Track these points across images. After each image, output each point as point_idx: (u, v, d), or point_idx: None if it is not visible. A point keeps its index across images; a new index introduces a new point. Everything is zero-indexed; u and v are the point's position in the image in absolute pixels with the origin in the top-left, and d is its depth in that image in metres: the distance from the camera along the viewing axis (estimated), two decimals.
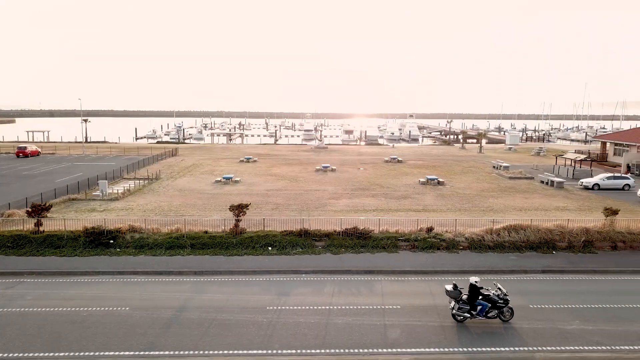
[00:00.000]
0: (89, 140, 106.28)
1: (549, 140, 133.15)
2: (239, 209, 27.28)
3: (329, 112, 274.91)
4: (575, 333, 17.54)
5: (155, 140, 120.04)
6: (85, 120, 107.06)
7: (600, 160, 67.46)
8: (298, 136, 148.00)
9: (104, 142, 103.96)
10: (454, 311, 18.18)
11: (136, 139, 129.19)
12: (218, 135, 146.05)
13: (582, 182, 48.94)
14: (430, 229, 28.09)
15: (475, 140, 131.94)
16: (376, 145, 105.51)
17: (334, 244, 26.59)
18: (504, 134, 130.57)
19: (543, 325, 18.17)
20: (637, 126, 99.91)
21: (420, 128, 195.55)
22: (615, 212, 28.38)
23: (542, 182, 51.38)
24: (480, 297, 18.11)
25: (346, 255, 25.65)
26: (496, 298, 18.14)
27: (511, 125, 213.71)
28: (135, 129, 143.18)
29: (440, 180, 51.06)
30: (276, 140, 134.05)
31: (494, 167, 63.38)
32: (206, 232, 27.39)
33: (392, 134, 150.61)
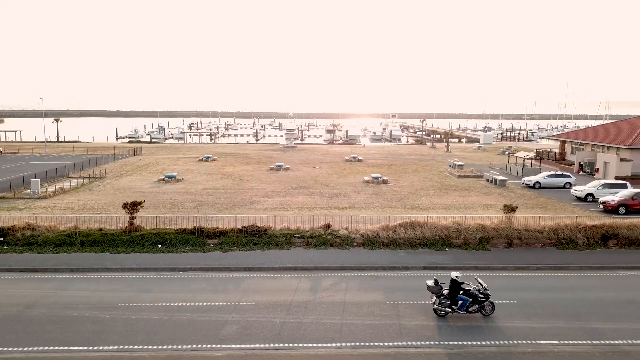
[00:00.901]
0: (61, 140, 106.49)
1: (530, 140, 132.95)
2: (132, 207, 27.26)
3: (327, 112, 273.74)
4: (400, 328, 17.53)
5: (136, 140, 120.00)
6: (57, 120, 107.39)
7: (558, 158, 67.45)
8: (281, 136, 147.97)
9: (76, 141, 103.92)
10: (435, 306, 18.39)
11: (117, 138, 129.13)
12: (199, 135, 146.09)
13: (524, 180, 48.94)
14: (327, 226, 28.05)
15: (456, 140, 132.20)
16: (349, 145, 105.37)
17: (226, 242, 26.56)
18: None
19: (387, 321, 18.14)
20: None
21: (406, 128, 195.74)
22: (513, 210, 28.32)
23: (488, 180, 51.38)
24: (461, 292, 18.31)
25: (235, 253, 25.63)
26: (477, 293, 18.35)
27: (499, 125, 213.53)
28: (116, 128, 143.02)
29: (385, 179, 51.04)
30: (257, 139, 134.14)
31: (450, 166, 63.35)
32: (100, 229, 27.36)
33: (374, 133, 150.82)
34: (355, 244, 26.98)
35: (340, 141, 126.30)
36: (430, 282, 18.62)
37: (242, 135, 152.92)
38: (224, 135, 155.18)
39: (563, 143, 69.41)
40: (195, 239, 26.61)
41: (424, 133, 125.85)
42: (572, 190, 42.83)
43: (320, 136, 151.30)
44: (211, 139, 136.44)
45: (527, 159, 55.63)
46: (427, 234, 27.33)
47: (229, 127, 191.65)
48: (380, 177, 50.87)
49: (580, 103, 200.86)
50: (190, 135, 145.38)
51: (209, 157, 69.50)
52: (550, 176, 48.26)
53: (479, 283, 18.76)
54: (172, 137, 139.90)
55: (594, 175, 55.51)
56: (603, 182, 42.29)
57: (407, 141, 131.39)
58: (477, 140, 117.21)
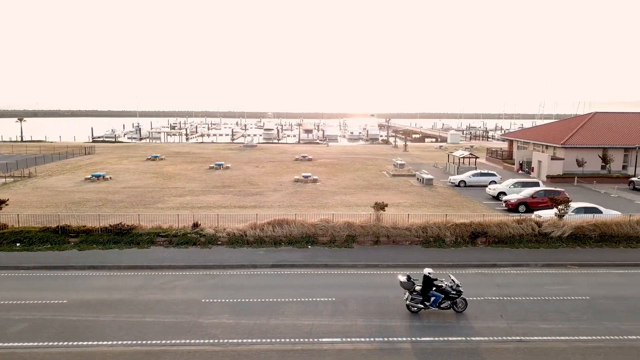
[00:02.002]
0: (28, 139, 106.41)
1: (496, 138, 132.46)
2: None
3: (324, 113, 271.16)
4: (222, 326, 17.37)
5: (114, 140, 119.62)
6: (21, 120, 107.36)
7: (505, 157, 67.28)
8: (260, 135, 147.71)
9: (42, 141, 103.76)
10: (407, 302, 18.35)
11: (92, 138, 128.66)
12: (178, 134, 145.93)
13: (450, 179, 48.80)
14: (195, 225, 27.90)
15: (434, 139, 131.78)
16: (313, 145, 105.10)
17: (87, 240, 26.40)
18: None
19: (186, 319, 17.98)
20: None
21: (385, 127, 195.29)
22: (382, 207, 28.14)
23: (418, 179, 51.22)
24: (433, 289, 18.29)
25: (92, 251, 25.45)
26: (449, 289, 18.32)
27: (483, 124, 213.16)
28: (92, 128, 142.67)
29: (315, 177, 50.91)
30: (233, 139, 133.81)
31: (393, 165, 63.16)
32: None
33: (352, 133, 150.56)
34: (219, 242, 26.82)
35: (317, 140, 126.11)
36: (403, 278, 18.56)
37: (225, 135, 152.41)
38: (202, 135, 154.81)
39: (511, 142, 69.25)
40: (57, 237, 26.45)
41: (389, 132, 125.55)
42: (487, 189, 42.67)
43: (294, 136, 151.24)
44: (187, 139, 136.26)
45: (463, 157, 55.39)
46: (295, 231, 27.16)
47: (213, 126, 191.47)
48: (310, 176, 50.72)
49: (566, 102, 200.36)
50: (169, 134, 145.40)
51: (157, 157, 69.35)
52: (475, 175, 48.11)
53: (452, 280, 18.69)
54: (148, 137, 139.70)
55: (530, 174, 55.41)
56: (515, 180, 42.12)
57: (380, 140, 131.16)
58: (445, 139, 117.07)
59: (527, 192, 37.30)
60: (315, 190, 45.23)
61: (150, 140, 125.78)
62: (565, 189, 45.30)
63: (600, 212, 30.73)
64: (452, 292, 18.30)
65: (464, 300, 18.53)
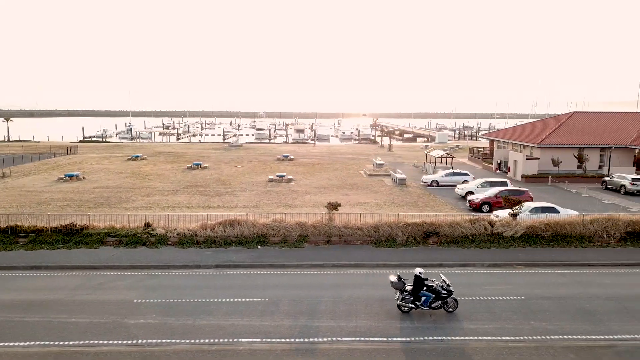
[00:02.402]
0: (15, 139, 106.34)
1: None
2: None
3: (321, 112, 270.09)
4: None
5: (103, 140, 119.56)
6: (7, 120, 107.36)
7: (486, 157, 67.16)
8: (252, 135, 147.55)
9: (29, 141, 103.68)
10: (398, 302, 18.40)
11: (83, 138, 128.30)
12: (167, 135, 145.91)
13: (423, 179, 48.74)
14: (147, 225, 27.84)
15: (426, 139, 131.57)
16: (300, 144, 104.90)
17: (36, 241, 26.34)
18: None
19: (109, 319, 17.92)
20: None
21: (375, 127, 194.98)
22: (335, 207, 28.06)
23: (392, 179, 51.13)
24: (424, 288, 18.29)
25: (39, 252, 25.29)
26: (440, 289, 18.33)
27: (477, 123, 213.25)
28: (83, 128, 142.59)
29: (290, 177, 50.92)
30: (224, 139, 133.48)
31: (373, 164, 63.08)
32: None
33: (344, 133, 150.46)
34: (170, 242, 26.75)
35: (309, 140, 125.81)
36: (394, 278, 18.59)
37: (217, 135, 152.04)
38: (194, 135, 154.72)
39: (492, 142, 69.16)
40: (6, 237, 26.39)
41: (376, 132, 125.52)
42: (455, 189, 42.61)
43: (286, 135, 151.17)
44: (178, 139, 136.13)
45: (440, 157, 55.34)
46: (246, 232, 27.10)
47: (207, 126, 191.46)
48: (285, 176, 50.67)
49: (563, 102, 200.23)
50: (162, 134, 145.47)
51: (139, 156, 69.29)
52: (448, 175, 48.04)
53: (443, 280, 18.67)
54: (139, 137, 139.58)
55: (507, 173, 55.34)
56: (484, 180, 42.04)
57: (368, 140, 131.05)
58: (434, 139, 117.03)
59: (492, 192, 37.24)
60: (286, 190, 45.17)
61: (139, 140, 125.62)
62: (538, 188, 45.53)
63: (557, 211, 30.64)
64: (443, 291, 18.31)
65: (455, 300, 18.53)
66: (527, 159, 52.21)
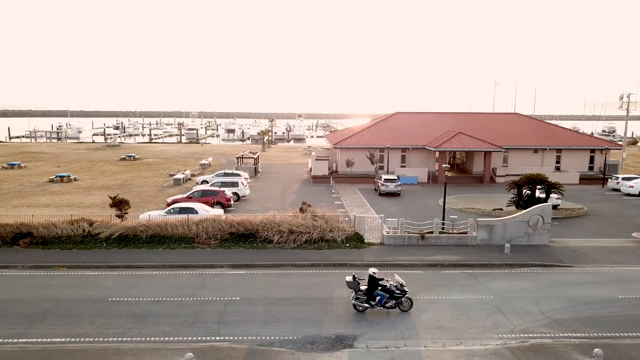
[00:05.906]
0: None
1: None
2: None
3: (320, 113, 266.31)
4: None
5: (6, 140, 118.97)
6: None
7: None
8: (184, 135, 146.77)
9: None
10: (353, 301, 18.64)
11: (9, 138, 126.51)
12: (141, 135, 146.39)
13: (197, 179, 48.15)
14: None
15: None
16: (194, 145, 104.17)
17: None
18: None
19: None
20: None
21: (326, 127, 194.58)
22: None
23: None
24: (378, 288, 18.49)
25: None
26: (393, 289, 18.59)
27: None
28: (8, 128, 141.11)
29: (74, 177, 50.59)
30: (198, 140, 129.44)
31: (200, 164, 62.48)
32: None
33: (275, 133, 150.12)
34: None
35: (239, 140, 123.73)
36: (349, 278, 18.74)
37: (146, 135, 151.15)
38: (170, 135, 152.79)
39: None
40: None
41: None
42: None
43: (217, 135, 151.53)
44: (150, 140, 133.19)
45: (242, 157, 54.66)
46: None
47: (156, 127, 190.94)
48: (68, 176, 50.25)
49: (558, 102, 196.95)
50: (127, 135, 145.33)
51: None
52: (219, 175, 47.37)
53: (397, 280, 18.89)
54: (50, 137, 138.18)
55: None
56: (218, 179, 41.63)
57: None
58: None
59: (193, 191, 36.70)
60: (57, 190, 44.51)
61: (32, 140, 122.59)
62: (317, 189, 45.25)
63: (196, 212, 30.03)
64: (397, 291, 18.53)
65: (410, 299, 18.74)
66: (316, 159, 51.65)
